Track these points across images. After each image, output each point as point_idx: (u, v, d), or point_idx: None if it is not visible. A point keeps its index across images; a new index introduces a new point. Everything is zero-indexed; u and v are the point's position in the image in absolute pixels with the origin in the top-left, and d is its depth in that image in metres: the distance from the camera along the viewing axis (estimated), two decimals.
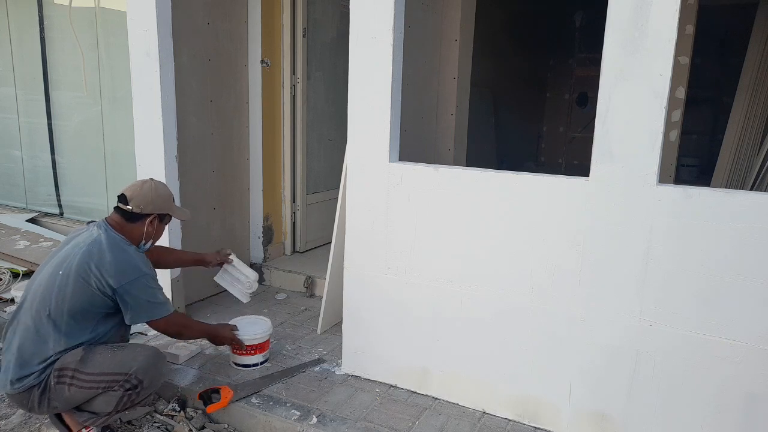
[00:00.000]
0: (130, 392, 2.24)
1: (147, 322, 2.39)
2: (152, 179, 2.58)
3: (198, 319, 3.45)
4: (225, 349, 3.07)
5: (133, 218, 2.41)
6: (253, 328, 2.92)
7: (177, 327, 2.51)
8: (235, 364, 2.89)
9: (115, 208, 2.44)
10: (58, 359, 2.23)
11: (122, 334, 2.46)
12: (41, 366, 2.22)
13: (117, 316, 2.34)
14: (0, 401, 2.71)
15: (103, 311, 2.30)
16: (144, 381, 2.25)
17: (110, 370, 2.22)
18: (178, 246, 3.38)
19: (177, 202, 3.30)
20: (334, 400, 2.62)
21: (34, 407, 2.27)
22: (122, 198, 2.42)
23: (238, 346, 2.85)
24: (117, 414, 2.33)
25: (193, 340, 3.02)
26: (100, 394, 2.24)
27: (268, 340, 2.94)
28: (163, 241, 3.20)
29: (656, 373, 2.20)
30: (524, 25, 6.88)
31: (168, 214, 2.53)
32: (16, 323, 2.31)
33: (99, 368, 2.21)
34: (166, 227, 2.62)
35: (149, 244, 2.53)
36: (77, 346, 2.25)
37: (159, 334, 2.72)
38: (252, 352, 2.86)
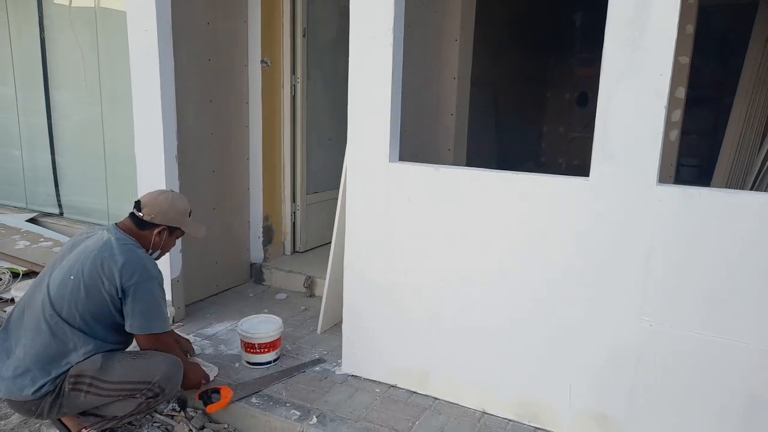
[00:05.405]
0: (150, 400, 2.26)
1: (140, 336, 2.30)
2: (172, 191, 2.58)
3: (195, 321, 3.45)
4: (225, 348, 3.08)
5: (144, 226, 2.41)
6: (265, 326, 2.94)
7: (162, 348, 2.35)
8: (249, 363, 2.90)
9: (130, 213, 2.44)
10: (73, 366, 2.19)
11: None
12: (59, 372, 2.18)
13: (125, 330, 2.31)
14: None
15: (111, 320, 2.26)
16: (166, 389, 2.27)
17: (133, 378, 2.21)
18: (177, 246, 3.37)
19: None
20: (334, 400, 2.62)
21: (43, 413, 2.21)
22: (137, 204, 2.43)
23: (249, 347, 2.87)
24: (125, 419, 2.33)
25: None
26: (118, 400, 2.24)
27: (280, 337, 2.96)
28: None
29: (658, 374, 2.19)
30: (524, 24, 6.86)
31: (179, 227, 2.50)
32: (18, 331, 2.25)
33: (120, 377, 2.20)
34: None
35: (156, 254, 2.49)
36: (93, 349, 2.22)
37: None
38: (266, 350, 2.88)
